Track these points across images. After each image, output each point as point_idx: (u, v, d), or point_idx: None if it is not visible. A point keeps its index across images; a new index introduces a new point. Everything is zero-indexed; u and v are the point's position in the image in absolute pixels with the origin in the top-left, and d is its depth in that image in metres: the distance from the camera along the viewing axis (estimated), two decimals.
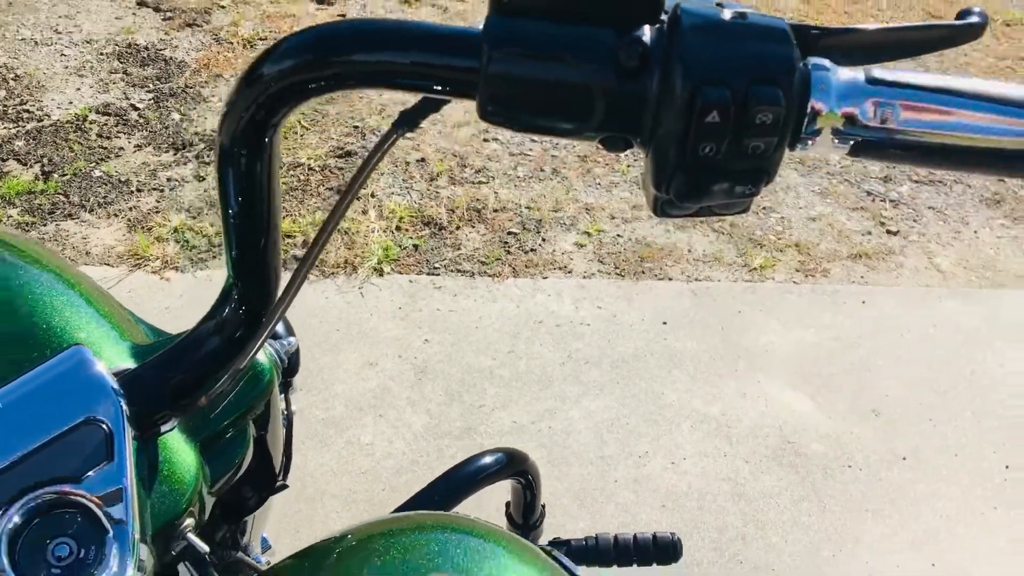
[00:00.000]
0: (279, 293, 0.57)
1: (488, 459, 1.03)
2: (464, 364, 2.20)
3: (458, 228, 2.63)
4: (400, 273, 2.46)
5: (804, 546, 1.85)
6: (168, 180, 2.76)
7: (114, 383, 0.55)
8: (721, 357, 2.28)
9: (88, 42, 3.46)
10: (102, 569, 0.50)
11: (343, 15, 3.77)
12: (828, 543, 1.87)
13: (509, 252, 2.55)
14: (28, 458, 0.52)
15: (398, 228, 2.60)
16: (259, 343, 0.59)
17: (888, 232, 2.77)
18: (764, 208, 2.82)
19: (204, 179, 2.76)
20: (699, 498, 1.93)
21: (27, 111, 3.04)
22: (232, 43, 3.50)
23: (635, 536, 1.08)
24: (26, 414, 0.54)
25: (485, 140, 3.01)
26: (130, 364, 0.62)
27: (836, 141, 0.45)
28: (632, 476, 1.96)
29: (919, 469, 2.03)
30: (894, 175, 3.02)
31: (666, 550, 1.07)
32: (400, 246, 2.54)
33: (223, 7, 3.77)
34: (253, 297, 0.58)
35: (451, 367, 2.19)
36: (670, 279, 2.52)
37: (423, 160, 2.89)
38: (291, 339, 0.81)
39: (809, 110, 0.44)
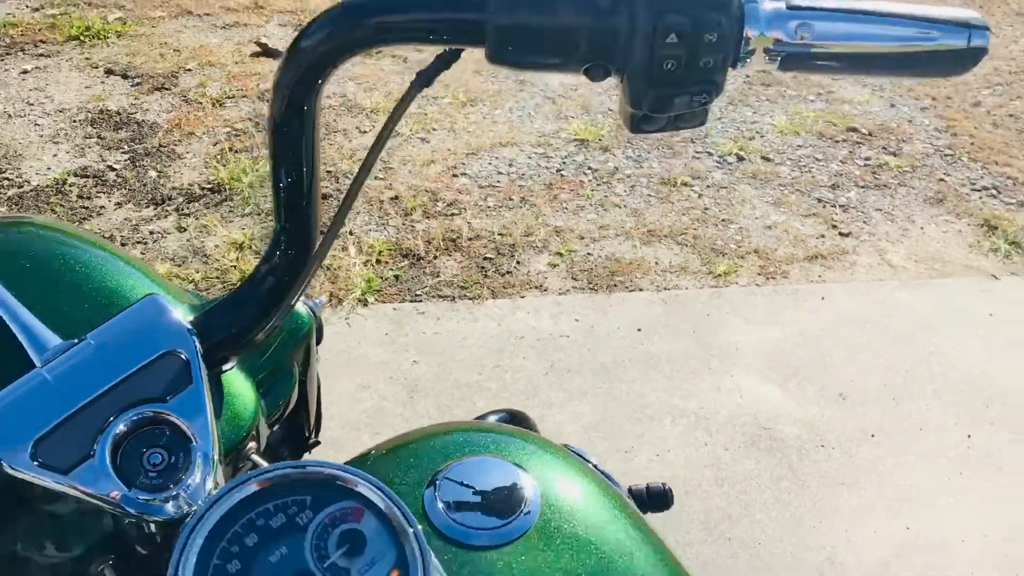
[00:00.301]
0: (320, 238, 0.69)
1: (492, 418, 1.14)
2: (453, 380, 2.31)
3: (435, 257, 2.75)
4: (384, 302, 2.57)
5: (786, 520, 1.97)
6: (151, 233, 2.86)
7: (187, 323, 0.67)
8: (695, 357, 2.41)
9: (60, 111, 3.57)
10: (188, 474, 0.60)
11: None
12: (808, 516, 1.98)
13: (486, 276, 2.68)
14: (123, 383, 0.64)
15: (378, 261, 2.72)
16: (306, 281, 0.71)
17: (840, 234, 2.94)
18: (723, 220, 2.98)
19: (185, 230, 2.86)
20: (684, 485, 2.04)
21: (6, 179, 3.13)
22: (201, 103, 3.62)
23: (629, 487, 1.19)
24: (117, 349, 0.65)
25: (454, 176, 3.15)
26: (190, 315, 0.73)
27: (768, 58, 0.58)
28: (620, 469, 2.06)
29: (887, 444, 2.16)
30: (841, 182, 3.20)
31: (659, 498, 1.18)
32: (382, 277, 2.66)
33: (189, 70, 3.91)
34: (298, 242, 0.70)
35: (441, 384, 2.30)
36: (641, 290, 2.66)
37: (396, 198, 3.02)
38: (321, 298, 0.92)
39: (745, 35, 0.57)
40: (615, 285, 2.68)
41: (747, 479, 2.06)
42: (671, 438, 2.16)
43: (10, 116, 3.53)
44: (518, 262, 2.74)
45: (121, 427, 0.62)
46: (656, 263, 2.77)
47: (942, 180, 3.23)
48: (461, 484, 0.66)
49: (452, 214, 2.95)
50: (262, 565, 0.51)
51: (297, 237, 0.70)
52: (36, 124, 3.48)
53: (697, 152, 3.36)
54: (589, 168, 3.25)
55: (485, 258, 2.75)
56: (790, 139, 3.46)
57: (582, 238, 2.87)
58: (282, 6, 4.56)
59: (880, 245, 2.89)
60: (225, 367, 0.74)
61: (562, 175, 3.20)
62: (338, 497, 0.54)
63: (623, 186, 3.15)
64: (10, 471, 0.60)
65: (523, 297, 2.60)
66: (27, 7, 4.47)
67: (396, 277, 2.67)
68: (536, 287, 2.65)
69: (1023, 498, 2.04)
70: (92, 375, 0.64)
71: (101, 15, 4.37)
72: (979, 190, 3.18)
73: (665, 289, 2.67)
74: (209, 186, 3.07)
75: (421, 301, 2.58)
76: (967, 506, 2.01)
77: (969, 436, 2.19)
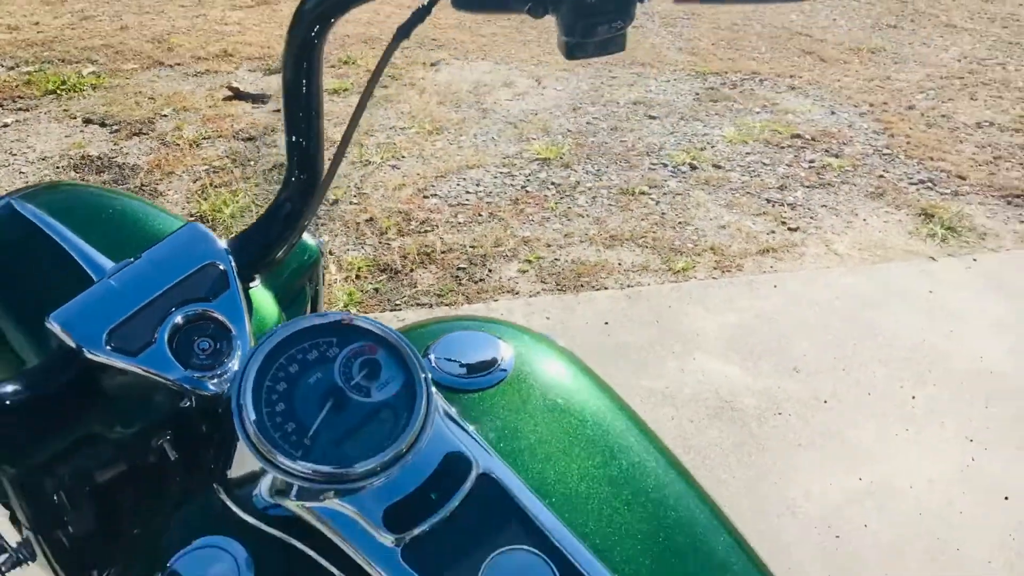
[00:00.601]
0: (327, 167, 0.86)
1: None
2: None
3: (412, 270, 2.92)
4: (365, 312, 2.73)
5: (749, 479, 2.14)
6: None
7: (223, 243, 0.84)
8: (660, 343, 2.59)
9: (43, 159, 3.72)
10: (230, 358, 0.76)
11: (278, 110, 4.10)
12: (769, 474, 2.15)
13: (460, 284, 2.85)
14: (176, 287, 0.80)
15: (358, 276, 2.88)
16: (316, 205, 0.88)
17: (789, 229, 3.14)
18: (680, 223, 3.18)
19: None
20: None
21: None
22: (179, 144, 3.79)
23: None
24: (168, 262, 0.82)
25: (425, 197, 3.33)
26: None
27: None
28: None
29: (839, 408, 2.34)
30: (788, 183, 3.42)
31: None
32: (362, 291, 2.82)
33: (165, 116, 4.08)
34: (308, 173, 0.87)
35: None
36: (606, 288, 2.84)
37: (371, 219, 3.19)
38: (324, 238, 1.09)
39: None
40: (582, 286, 2.85)
41: (711, 446, 2.23)
42: (640, 414, 2.32)
43: None
44: (490, 270, 2.92)
45: (178, 319, 0.78)
46: (619, 264, 2.96)
47: (881, 176, 3.46)
48: (449, 352, 0.83)
49: (425, 231, 3.13)
50: (303, 385, 0.67)
51: (307, 170, 0.87)
52: (20, 172, 3.63)
53: (653, 164, 3.57)
54: (552, 183, 3.44)
55: (459, 268, 2.92)
56: (739, 147, 3.68)
57: (549, 246, 3.06)
58: (249, 53, 4.75)
59: (826, 237, 3.10)
60: (252, 284, 0.90)
61: (527, 191, 3.39)
62: (358, 337, 0.70)
63: (585, 198, 3.35)
64: (90, 356, 0.76)
65: (496, 300, 2.77)
66: (2, 66, 4.63)
67: (376, 290, 2.83)
68: (508, 291, 2.82)
69: (964, 448, 2.22)
70: (149, 282, 0.80)
71: (75, 70, 4.54)
72: (916, 183, 3.40)
73: (628, 286, 2.85)
74: (192, 218, 3.22)
75: (400, 309, 2.74)
76: (914, 457, 2.19)
77: (914, 398, 2.37)
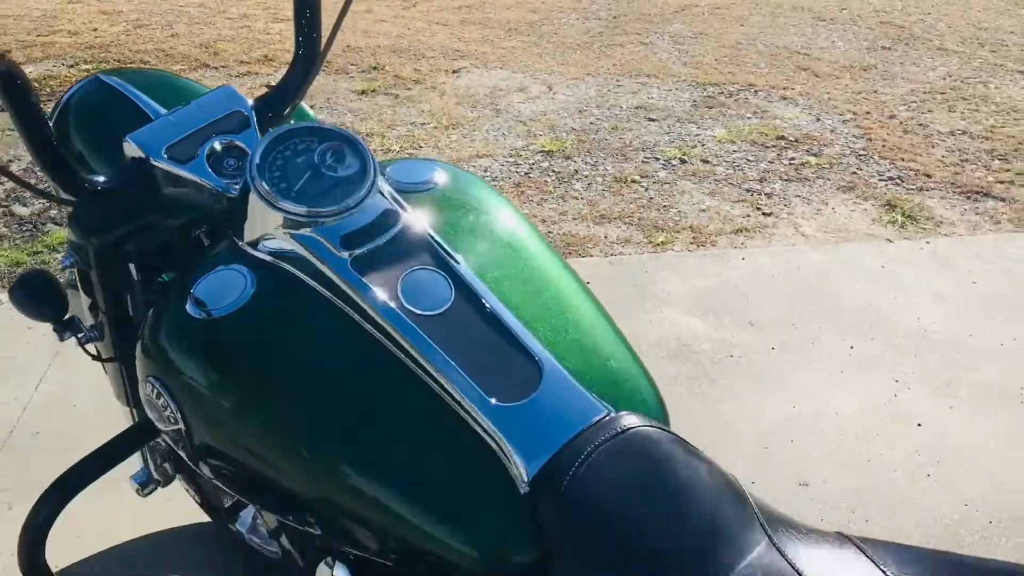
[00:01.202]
0: (322, 46, 1.23)
1: None
2: None
3: None
4: None
5: (698, 406, 2.46)
6: None
7: (250, 101, 1.21)
8: (633, 300, 2.92)
9: None
10: (247, 169, 1.12)
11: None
12: (716, 403, 2.47)
13: None
14: (214, 123, 1.17)
15: None
16: (314, 75, 1.25)
17: (763, 214, 3.47)
18: (664, 206, 3.52)
19: None
20: None
21: None
22: None
23: None
24: (208, 107, 1.19)
25: None
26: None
27: None
28: None
29: (784, 354, 2.66)
30: (768, 177, 3.75)
31: None
32: None
33: None
34: (309, 52, 1.24)
35: None
36: (591, 256, 3.18)
37: None
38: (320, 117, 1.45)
39: None
40: (570, 253, 3.20)
41: (667, 378, 2.56)
42: None
43: None
44: None
45: (214, 145, 1.15)
46: (605, 237, 3.31)
47: (855, 173, 3.78)
48: (397, 168, 1.18)
49: None
50: (293, 162, 1.03)
51: (308, 51, 1.25)
52: None
53: (647, 158, 3.92)
54: (553, 171, 3.81)
55: None
56: (727, 146, 4.02)
57: (544, 221, 3.41)
58: (288, 59, 5.17)
59: (796, 221, 3.43)
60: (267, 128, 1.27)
61: (530, 177, 3.76)
62: (331, 137, 1.06)
63: (581, 184, 3.71)
64: (153, 163, 1.13)
65: None
66: (64, 64, 5.10)
67: None
68: None
69: (890, 387, 2.52)
70: (195, 118, 1.17)
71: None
72: (885, 180, 3.73)
73: (612, 255, 3.19)
74: None
75: None
76: (844, 393, 2.50)
77: (852, 347, 2.68)
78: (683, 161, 3.88)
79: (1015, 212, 3.46)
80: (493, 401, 0.93)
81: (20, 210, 3.49)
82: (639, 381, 1.07)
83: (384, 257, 1.01)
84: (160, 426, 1.06)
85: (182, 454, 1.07)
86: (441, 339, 0.96)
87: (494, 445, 0.93)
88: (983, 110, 4.39)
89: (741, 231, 3.35)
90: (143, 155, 1.15)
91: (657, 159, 3.91)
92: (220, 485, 1.07)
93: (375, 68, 5.00)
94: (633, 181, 3.72)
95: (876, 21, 5.76)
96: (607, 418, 0.96)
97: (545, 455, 0.92)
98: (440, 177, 1.18)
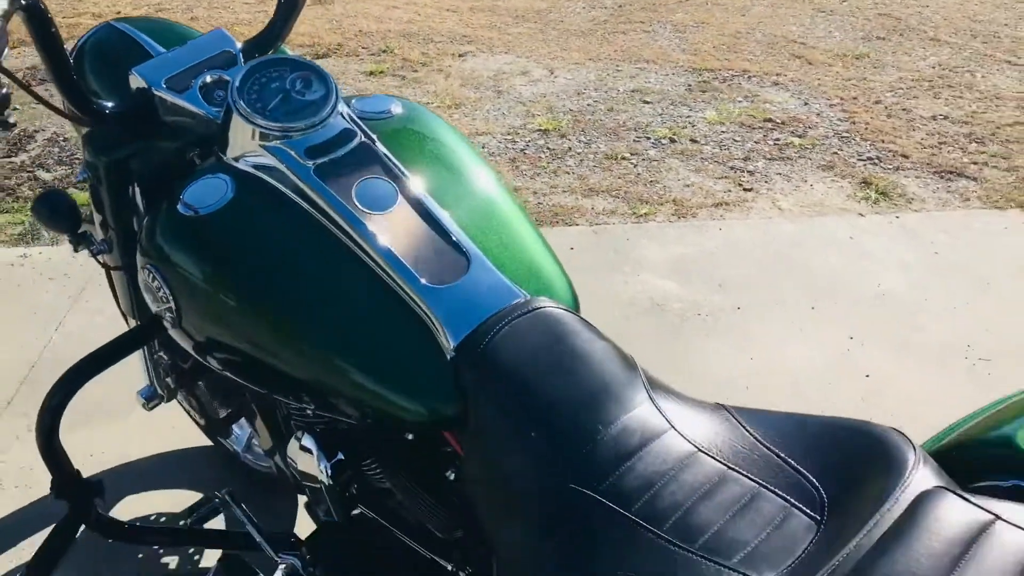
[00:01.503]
0: None
1: None
2: None
3: None
4: None
5: (662, 355, 2.65)
6: None
7: (238, 43, 1.42)
8: (612, 265, 3.12)
9: None
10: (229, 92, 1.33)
11: None
12: (678, 352, 2.67)
13: None
14: (207, 60, 1.38)
15: None
16: (292, 23, 1.46)
17: (744, 189, 3.66)
18: (651, 181, 3.71)
19: None
20: None
21: None
22: None
23: None
24: (203, 46, 1.40)
25: None
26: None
27: None
28: None
29: (749, 313, 2.85)
30: (752, 156, 3.93)
31: None
32: None
33: None
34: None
35: None
36: (577, 224, 3.38)
37: None
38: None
39: None
40: (557, 222, 3.40)
41: (637, 333, 2.75)
42: (584, 310, 2.85)
43: None
44: None
45: (206, 78, 1.36)
46: (592, 208, 3.50)
47: (835, 153, 3.96)
48: (361, 100, 1.38)
49: None
50: (268, 87, 1.24)
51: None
52: None
53: (638, 137, 4.11)
54: (548, 148, 4.00)
55: None
56: (716, 127, 4.21)
57: (535, 193, 3.61)
58: (300, 41, 5.41)
59: (775, 196, 3.61)
60: None
61: (525, 153, 3.96)
62: (301, 68, 1.26)
63: (574, 160, 3.90)
64: (155, 92, 1.34)
65: None
66: None
67: None
68: None
69: (845, 343, 2.71)
70: (191, 55, 1.38)
71: None
72: (864, 160, 3.90)
73: (596, 224, 3.39)
74: None
75: None
76: (800, 347, 2.69)
77: (813, 308, 2.87)
78: (673, 140, 4.07)
79: (985, 191, 3.63)
80: (427, 283, 1.14)
81: (43, 175, 3.73)
82: (555, 276, 1.28)
83: (342, 167, 1.22)
84: (154, 307, 1.27)
85: (172, 331, 1.28)
86: (386, 234, 1.17)
87: (427, 320, 1.13)
88: (966, 96, 4.54)
89: (721, 205, 3.53)
90: (146, 85, 1.36)
91: (648, 138, 4.10)
92: (199, 357, 1.28)
93: (384, 51, 5.20)
94: (623, 158, 3.91)
95: (874, 13, 5.91)
96: (523, 300, 1.16)
97: (468, 328, 1.13)
98: (397, 108, 1.38)
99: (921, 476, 0.91)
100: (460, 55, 5.18)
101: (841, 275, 3.05)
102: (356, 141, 1.24)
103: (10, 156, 3.87)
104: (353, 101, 1.37)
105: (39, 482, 2.18)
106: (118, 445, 2.28)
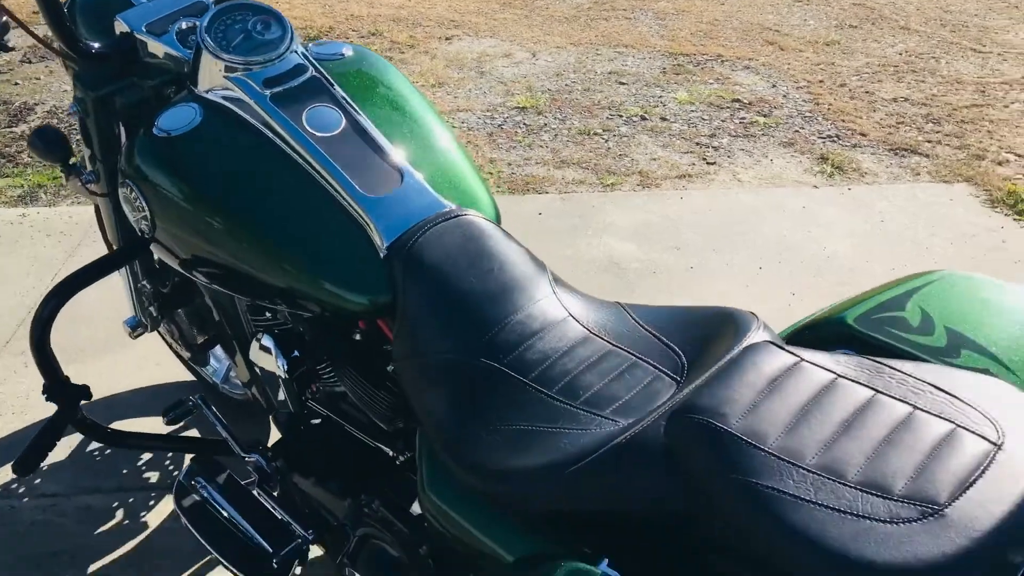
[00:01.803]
0: None
1: None
2: None
3: None
4: None
5: None
6: None
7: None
8: (578, 229, 3.31)
9: None
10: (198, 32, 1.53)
11: None
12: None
13: None
14: (182, 9, 1.58)
15: None
16: None
17: (708, 163, 3.85)
18: (620, 155, 3.90)
19: None
20: None
21: None
22: None
23: None
24: (178, 3, 1.59)
25: None
26: None
27: None
28: None
29: (701, 273, 3.05)
30: (718, 133, 4.13)
31: None
32: None
33: None
34: None
35: None
36: (547, 192, 3.58)
37: None
38: None
39: None
40: (529, 191, 3.60)
41: (597, 288, 2.93)
42: (551, 270, 3.05)
43: None
44: None
45: (182, 24, 1.55)
46: (562, 178, 3.70)
47: (797, 132, 4.15)
48: (319, 45, 1.58)
49: None
50: (232, 27, 1.43)
51: None
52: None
53: (611, 115, 4.31)
54: (524, 124, 4.20)
55: None
56: (686, 107, 4.40)
57: (509, 164, 3.81)
58: (296, 25, 5.59)
59: (735, 170, 3.80)
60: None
61: (502, 128, 4.15)
62: (261, 12, 1.46)
63: (548, 135, 4.10)
64: (136, 35, 1.54)
65: None
66: None
67: None
68: None
69: (787, 299, 2.91)
70: (169, 4, 1.58)
71: None
72: (824, 138, 4.09)
73: (565, 193, 3.59)
74: None
75: None
76: (744, 302, 2.86)
77: (760, 268, 3.07)
78: (643, 118, 4.26)
79: (935, 166, 3.83)
80: (365, 193, 1.33)
81: None
82: (480, 192, 1.48)
83: (294, 96, 1.41)
84: (132, 217, 1.47)
85: (150, 244, 1.47)
86: (332, 152, 1.37)
87: (364, 224, 1.33)
88: (928, 81, 4.74)
89: (685, 176, 3.73)
90: (128, 30, 1.56)
91: (620, 116, 4.29)
92: (172, 263, 1.47)
93: (373, 34, 5.40)
94: (595, 134, 4.10)
95: (850, 2, 6.10)
96: (447, 210, 1.36)
97: (398, 231, 1.33)
98: (348, 52, 1.58)
99: (754, 336, 1.11)
100: (447, 38, 5.38)
101: (790, 240, 3.25)
102: (308, 74, 1.44)
103: (11, 126, 4.07)
104: (310, 45, 1.56)
105: (33, 407, 2.39)
106: (106, 380, 2.48)
